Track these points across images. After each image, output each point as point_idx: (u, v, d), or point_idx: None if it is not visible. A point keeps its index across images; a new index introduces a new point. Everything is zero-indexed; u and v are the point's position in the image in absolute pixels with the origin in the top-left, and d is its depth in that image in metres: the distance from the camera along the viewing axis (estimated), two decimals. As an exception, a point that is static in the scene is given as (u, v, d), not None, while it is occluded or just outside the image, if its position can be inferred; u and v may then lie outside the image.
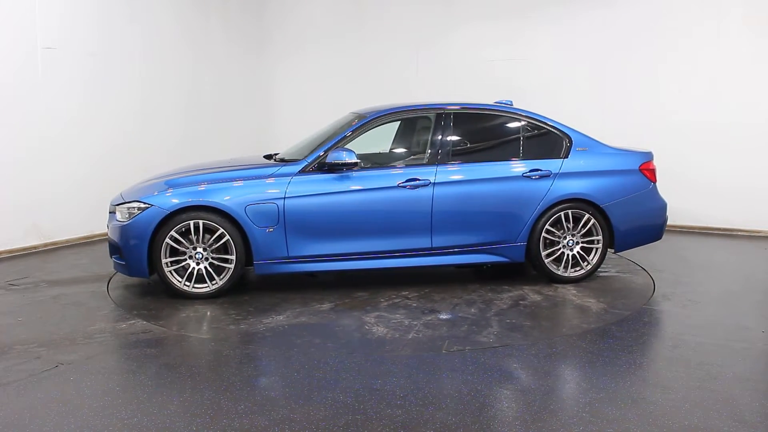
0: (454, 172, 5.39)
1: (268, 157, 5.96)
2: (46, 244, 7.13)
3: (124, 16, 7.93)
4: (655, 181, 5.72)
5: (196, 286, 5.11)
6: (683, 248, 7.07)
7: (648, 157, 5.76)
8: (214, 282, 5.12)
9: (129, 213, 5.11)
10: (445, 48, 9.47)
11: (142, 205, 5.06)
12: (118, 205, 5.26)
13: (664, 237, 5.99)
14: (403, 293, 5.32)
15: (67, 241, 7.36)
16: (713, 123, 7.97)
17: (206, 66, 9.35)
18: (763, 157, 7.75)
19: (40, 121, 6.99)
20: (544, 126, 5.64)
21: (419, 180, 5.29)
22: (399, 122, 6.06)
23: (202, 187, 5.10)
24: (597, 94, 8.54)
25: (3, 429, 3.03)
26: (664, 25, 8.15)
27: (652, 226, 5.76)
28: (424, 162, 5.46)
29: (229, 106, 9.83)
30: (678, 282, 5.67)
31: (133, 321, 4.62)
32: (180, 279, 5.08)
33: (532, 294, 5.28)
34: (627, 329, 4.43)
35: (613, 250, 5.73)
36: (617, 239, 5.59)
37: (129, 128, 8.09)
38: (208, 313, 4.85)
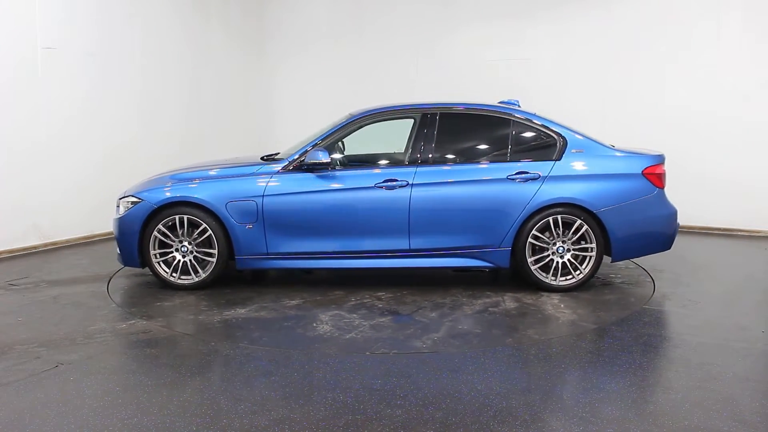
0: (435, 173, 5.29)
1: (270, 156, 5.98)
2: (46, 244, 7.13)
3: (123, 16, 7.94)
4: (662, 187, 5.33)
5: (182, 277, 5.37)
6: (683, 248, 7.07)
7: (655, 160, 5.36)
8: (198, 274, 5.36)
9: (125, 207, 5.44)
10: (447, 48, 9.47)
11: (135, 200, 5.41)
12: (120, 198, 5.58)
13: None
14: (379, 293, 5.31)
15: (67, 241, 7.36)
16: (714, 123, 7.97)
17: (206, 66, 9.35)
18: (764, 157, 7.75)
19: (39, 121, 6.99)
20: (536, 127, 5.40)
21: (397, 181, 5.25)
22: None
23: (189, 184, 5.38)
24: (599, 93, 8.55)
25: (3, 429, 3.03)
26: (666, 24, 8.15)
27: (656, 235, 5.37)
28: (405, 162, 5.42)
29: (229, 107, 9.83)
30: (678, 282, 5.67)
31: (133, 321, 4.63)
32: (167, 270, 5.36)
33: (509, 301, 5.08)
34: (627, 329, 4.43)
35: (610, 259, 5.35)
36: (614, 247, 5.23)
37: (129, 128, 8.10)
38: (180, 304, 5.08)
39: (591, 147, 5.37)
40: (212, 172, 5.50)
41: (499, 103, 5.86)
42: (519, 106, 5.77)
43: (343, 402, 3.30)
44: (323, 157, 5.23)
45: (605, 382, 3.58)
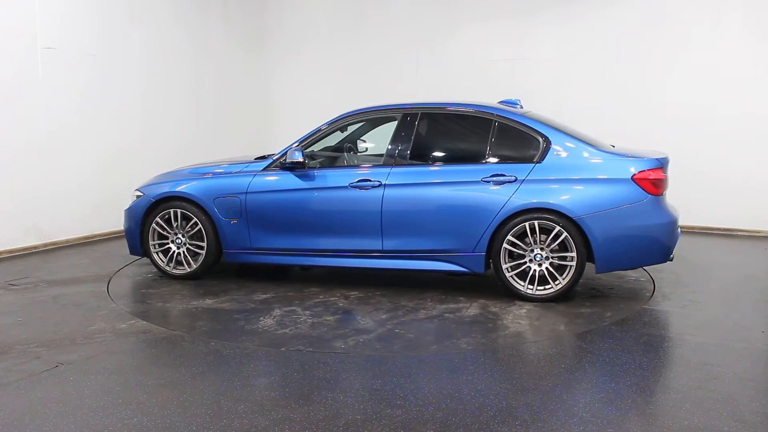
0: (408, 174, 5.21)
1: (267, 156, 6.03)
2: (46, 244, 7.13)
3: (124, 16, 7.93)
4: (656, 193, 4.87)
5: (177, 267, 5.72)
6: (683, 248, 7.05)
7: (650, 164, 4.89)
8: (190, 265, 5.68)
9: (132, 199, 5.91)
10: (446, 48, 9.47)
11: (138, 193, 5.87)
12: (133, 191, 6.02)
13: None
14: (351, 293, 5.32)
15: (67, 241, 7.36)
16: (714, 123, 7.97)
17: (207, 66, 9.35)
18: (764, 157, 7.75)
19: (40, 121, 6.99)
20: (518, 128, 5.12)
21: (371, 181, 5.24)
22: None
23: (185, 180, 5.73)
24: (600, 93, 8.54)
25: (3, 429, 3.03)
26: (666, 24, 8.15)
27: (649, 245, 4.93)
28: (380, 163, 5.40)
29: (230, 106, 9.82)
30: (678, 282, 5.67)
31: (133, 321, 4.63)
32: (164, 260, 5.73)
33: (473, 308, 4.87)
34: (627, 329, 4.43)
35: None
36: (597, 257, 4.85)
37: (129, 128, 8.10)
38: (162, 292, 5.43)
39: (578, 149, 5.02)
40: (208, 169, 5.85)
41: (499, 102, 5.81)
42: (521, 106, 5.73)
43: (343, 402, 3.30)
44: (298, 157, 5.34)
45: (605, 382, 3.58)
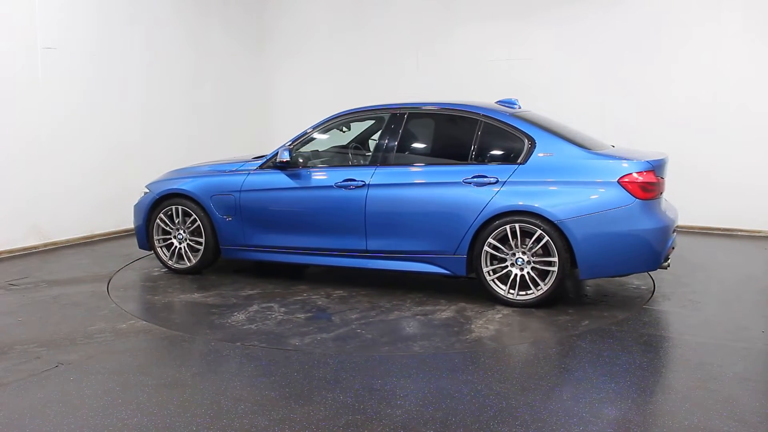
0: (391, 174, 5.19)
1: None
2: (46, 244, 7.13)
3: (124, 16, 7.93)
4: (645, 197, 4.62)
5: (179, 262, 5.91)
6: (683, 248, 7.05)
7: (639, 167, 4.65)
8: (191, 261, 5.85)
9: (140, 195, 6.13)
10: (446, 48, 9.46)
11: (145, 190, 6.09)
12: (143, 188, 6.23)
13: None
14: (335, 291, 5.34)
15: (67, 241, 7.36)
16: (714, 123, 7.96)
17: (207, 66, 9.34)
18: (764, 157, 7.75)
19: (39, 121, 6.99)
20: (504, 128, 5.02)
21: (355, 181, 5.24)
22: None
23: (186, 178, 5.93)
24: (600, 93, 8.52)
25: (3, 429, 3.03)
26: (667, 24, 8.15)
27: (635, 251, 4.68)
28: (366, 163, 5.46)
29: (230, 106, 9.82)
30: (678, 282, 5.66)
31: (133, 321, 4.63)
32: (167, 254, 5.93)
33: (449, 311, 4.77)
34: (627, 329, 4.42)
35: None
36: (580, 263, 4.65)
37: (129, 128, 8.09)
38: (162, 286, 5.63)
39: (564, 150, 4.85)
40: (207, 168, 6.03)
41: (497, 102, 5.78)
42: (519, 107, 5.71)
43: (343, 402, 3.30)
44: (286, 157, 5.42)
45: (605, 382, 3.58)
